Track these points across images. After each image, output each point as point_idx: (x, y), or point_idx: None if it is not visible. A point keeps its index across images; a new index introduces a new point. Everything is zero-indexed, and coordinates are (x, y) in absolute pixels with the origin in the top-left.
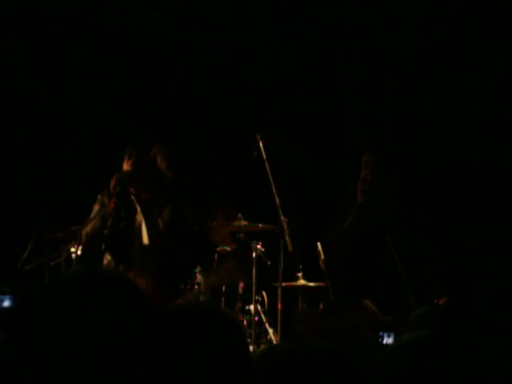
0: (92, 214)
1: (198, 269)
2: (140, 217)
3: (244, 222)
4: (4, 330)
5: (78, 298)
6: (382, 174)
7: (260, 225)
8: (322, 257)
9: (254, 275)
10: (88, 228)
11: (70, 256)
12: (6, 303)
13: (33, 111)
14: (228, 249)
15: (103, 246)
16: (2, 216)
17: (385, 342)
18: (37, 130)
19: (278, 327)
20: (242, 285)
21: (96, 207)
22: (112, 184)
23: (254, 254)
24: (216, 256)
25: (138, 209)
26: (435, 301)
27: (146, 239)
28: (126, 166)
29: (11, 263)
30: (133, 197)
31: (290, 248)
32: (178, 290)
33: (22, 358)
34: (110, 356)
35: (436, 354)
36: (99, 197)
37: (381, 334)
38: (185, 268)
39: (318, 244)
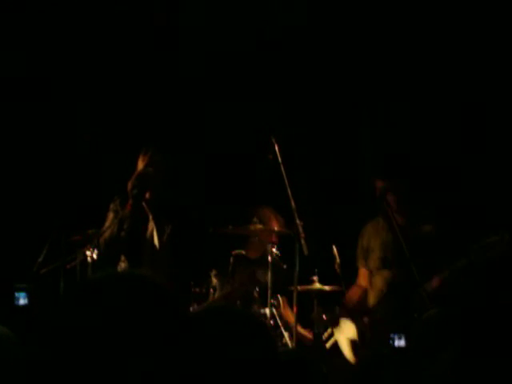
0: (107, 223)
1: (213, 272)
2: (152, 224)
3: (259, 226)
4: (31, 330)
5: (107, 300)
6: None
7: (275, 228)
8: (338, 260)
9: (269, 279)
10: (106, 235)
11: (86, 259)
12: (22, 301)
13: (48, 114)
14: (243, 252)
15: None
16: (18, 219)
17: (396, 344)
18: (52, 134)
19: (294, 331)
20: (257, 288)
21: (110, 215)
22: (129, 186)
23: (269, 258)
24: (231, 260)
25: (150, 216)
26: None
27: (157, 244)
28: (141, 166)
29: (27, 266)
30: (144, 204)
31: (305, 251)
32: (191, 293)
33: (50, 357)
34: (136, 355)
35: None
36: (112, 205)
37: (392, 336)
38: (198, 272)
39: (334, 247)
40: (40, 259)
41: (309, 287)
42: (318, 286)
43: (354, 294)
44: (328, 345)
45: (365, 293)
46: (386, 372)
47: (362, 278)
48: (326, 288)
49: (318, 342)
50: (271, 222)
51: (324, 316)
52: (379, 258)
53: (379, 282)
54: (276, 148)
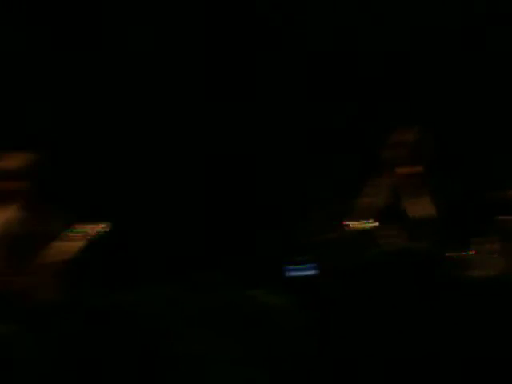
0: (371, 194)
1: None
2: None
3: None
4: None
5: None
6: None
7: None
8: None
9: None
10: (372, 204)
11: (352, 229)
12: (304, 273)
13: None
14: None
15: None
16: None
17: None
18: None
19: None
20: None
21: (371, 189)
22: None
23: None
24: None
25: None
26: None
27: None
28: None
29: (297, 239)
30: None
31: None
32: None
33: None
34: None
35: None
36: (373, 180)
37: None
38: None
39: None
40: (308, 229)
41: None
42: None
43: None
44: None
45: None
46: None
47: None
48: None
49: None
50: None
51: None
52: None
53: None
54: None
